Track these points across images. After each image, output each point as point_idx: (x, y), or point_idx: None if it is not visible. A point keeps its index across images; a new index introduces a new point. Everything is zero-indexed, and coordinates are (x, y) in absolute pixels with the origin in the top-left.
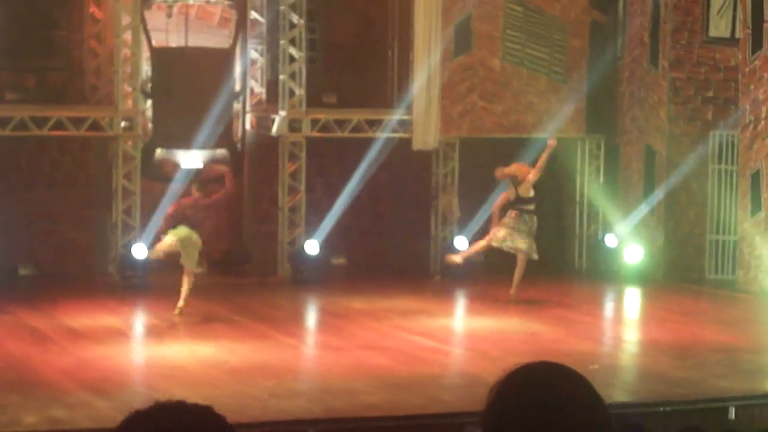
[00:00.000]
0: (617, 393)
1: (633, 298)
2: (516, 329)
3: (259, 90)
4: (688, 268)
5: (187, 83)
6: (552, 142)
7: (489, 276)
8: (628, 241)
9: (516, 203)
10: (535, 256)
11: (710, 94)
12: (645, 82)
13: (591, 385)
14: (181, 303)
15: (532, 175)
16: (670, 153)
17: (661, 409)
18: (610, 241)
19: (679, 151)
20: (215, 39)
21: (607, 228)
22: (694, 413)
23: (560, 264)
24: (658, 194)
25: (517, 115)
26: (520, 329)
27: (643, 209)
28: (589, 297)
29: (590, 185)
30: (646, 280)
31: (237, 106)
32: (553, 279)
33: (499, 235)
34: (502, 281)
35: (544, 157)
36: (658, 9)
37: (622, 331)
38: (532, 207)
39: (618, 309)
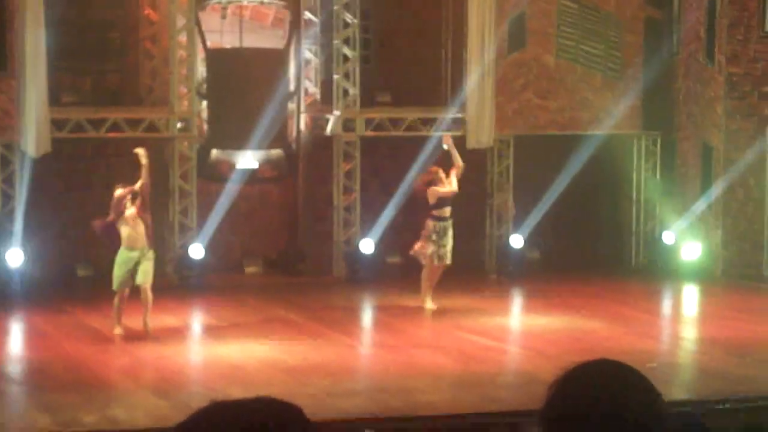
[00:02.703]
0: (676, 391)
1: (691, 295)
2: (572, 327)
3: (314, 90)
4: (746, 265)
5: (242, 84)
6: (446, 139)
7: (545, 274)
8: (685, 238)
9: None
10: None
11: (767, 89)
12: (701, 78)
13: (650, 383)
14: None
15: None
16: (727, 149)
17: (721, 406)
18: (667, 238)
19: (736, 146)
20: (269, 39)
21: (665, 225)
22: (755, 411)
23: (617, 261)
24: (716, 190)
25: (572, 112)
26: (576, 327)
27: (701, 206)
28: (647, 294)
29: (647, 182)
30: (704, 277)
31: (291, 106)
32: (610, 276)
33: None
34: (558, 279)
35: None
36: (714, 4)
37: (680, 329)
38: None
39: (676, 306)
